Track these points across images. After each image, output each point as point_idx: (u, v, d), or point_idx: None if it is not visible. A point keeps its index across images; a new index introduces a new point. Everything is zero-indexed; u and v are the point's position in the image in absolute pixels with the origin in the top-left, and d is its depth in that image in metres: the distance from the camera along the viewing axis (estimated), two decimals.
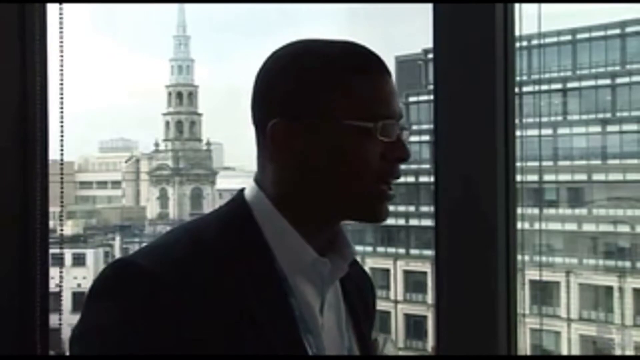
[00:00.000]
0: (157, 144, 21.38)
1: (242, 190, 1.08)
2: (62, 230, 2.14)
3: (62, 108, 1.94)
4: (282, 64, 1.06)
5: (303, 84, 1.03)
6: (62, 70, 1.94)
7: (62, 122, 1.96)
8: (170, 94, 22.07)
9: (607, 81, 11.17)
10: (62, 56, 1.94)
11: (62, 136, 1.97)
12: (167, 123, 21.62)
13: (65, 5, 1.96)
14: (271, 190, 1.05)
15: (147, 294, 0.92)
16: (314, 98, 1.02)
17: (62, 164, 1.99)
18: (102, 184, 21.01)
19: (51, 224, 1.92)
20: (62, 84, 1.94)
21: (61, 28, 1.95)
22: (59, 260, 2.12)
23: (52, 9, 1.91)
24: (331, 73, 1.03)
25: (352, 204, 1.04)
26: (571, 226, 11.03)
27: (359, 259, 1.21)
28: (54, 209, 1.95)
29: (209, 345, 0.92)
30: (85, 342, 0.94)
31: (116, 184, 21.08)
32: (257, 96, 1.07)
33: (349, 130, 1.01)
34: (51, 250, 1.90)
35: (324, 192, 1.03)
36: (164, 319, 0.91)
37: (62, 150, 1.97)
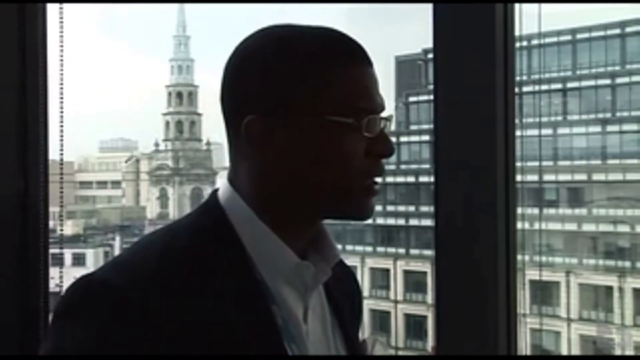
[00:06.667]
0: (157, 144, 21.36)
1: (215, 192, 1.01)
2: (62, 230, 2.14)
3: (62, 109, 1.95)
4: (255, 55, 0.98)
5: (280, 77, 0.95)
6: (62, 70, 1.95)
7: (62, 123, 1.97)
8: (170, 94, 22.05)
9: (607, 81, 11.18)
10: (62, 57, 1.95)
11: (62, 136, 1.98)
12: (167, 123, 21.61)
13: (66, 5, 1.96)
14: (247, 190, 0.98)
15: (115, 311, 0.87)
16: (292, 93, 0.95)
17: (61, 164, 2.00)
18: (102, 184, 21.00)
19: (51, 224, 1.92)
20: (62, 85, 1.95)
21: (61, 29, 1.96)
22: (59, 260, 2.13)
23: (52, 9, 1.91)
24: (311, 66, 0.95)
25: (336, 202, 0.97)
26: (571, 226, 11.04)
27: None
28: (54, 209, 1.95)
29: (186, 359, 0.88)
30: None
31: (116, 183, 21.06)
32: (228, 90, 0.99)
33: (331, 126, 0.94)
34: (51, 250, 1.90)
35: (305, 190, 0.96)
36: (134, 335, 0.86)
37: (61, 151, 1.98)
